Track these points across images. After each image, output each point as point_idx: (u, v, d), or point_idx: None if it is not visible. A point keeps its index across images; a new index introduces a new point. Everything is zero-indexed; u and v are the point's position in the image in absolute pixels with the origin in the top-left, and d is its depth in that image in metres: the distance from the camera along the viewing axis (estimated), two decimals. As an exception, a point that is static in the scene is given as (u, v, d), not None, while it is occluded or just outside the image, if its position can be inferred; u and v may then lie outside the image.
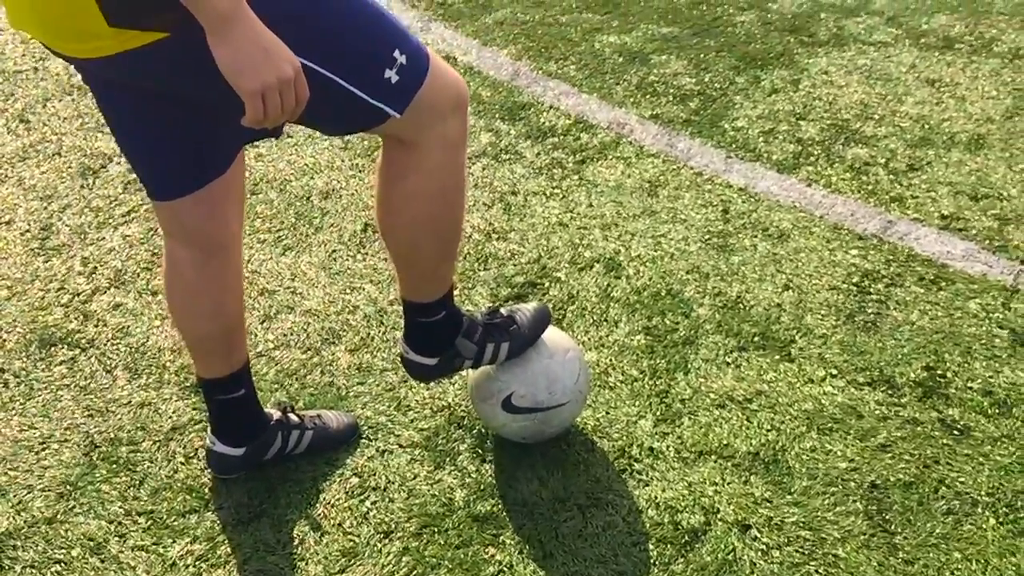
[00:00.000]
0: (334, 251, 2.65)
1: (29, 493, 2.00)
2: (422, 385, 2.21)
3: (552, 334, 2.05)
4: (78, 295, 2.51)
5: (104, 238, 2.71)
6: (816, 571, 1.84)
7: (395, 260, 1.85)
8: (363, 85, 1.52)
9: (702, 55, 3.55)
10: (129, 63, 1.40)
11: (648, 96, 3.31)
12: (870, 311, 2.41)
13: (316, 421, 2.07)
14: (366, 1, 1.54)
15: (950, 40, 3.61)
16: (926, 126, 3.12)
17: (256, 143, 3.09)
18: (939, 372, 2.24)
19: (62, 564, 1.87)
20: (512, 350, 1.96)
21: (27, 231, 2.74)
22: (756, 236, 2.67)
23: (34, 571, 1.86)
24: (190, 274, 1.81)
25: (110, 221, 2.77)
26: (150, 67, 1.42)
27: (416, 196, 1.69)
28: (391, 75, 1.53)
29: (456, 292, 2.46)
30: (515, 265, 2.58)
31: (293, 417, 2.04)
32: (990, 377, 2.22)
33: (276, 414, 2.03)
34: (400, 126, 1.60)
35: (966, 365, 2.25)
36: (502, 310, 1.99)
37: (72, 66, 1.63)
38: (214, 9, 1.27)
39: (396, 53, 1.53)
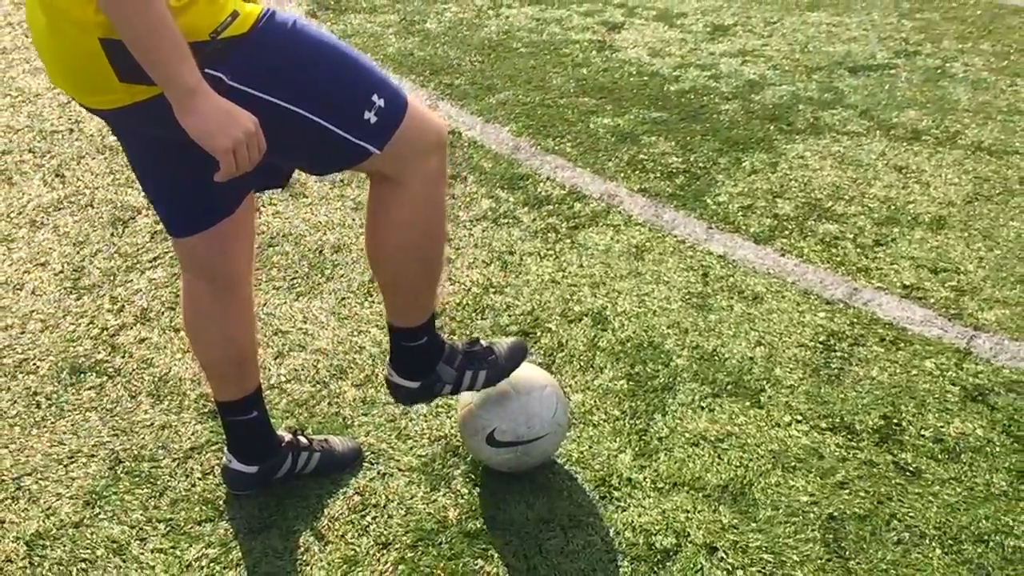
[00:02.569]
0: (343, 298, 2.87)
1: (58, 500, 2.18)
2: (421, 416, 2.41)
3: (530, 372, 2.25)
4: (106, 329, 2.72)
5: (131, 280, 2.93)
6: (776, 589, 2.02)
7: (382, 286, 2.03)
8: (345, 125, 1.71)
9: (688, 138, 3.84)
10: (139, 113, 1.63)
11: (637, 172, 3.59)
12: (834, 366, 2.63)
13: (324, 445, 2.26)
14: (346, 53, 1.74)
15: (918, 132, 3.92)
16: (892, 207, 3.39)
17: (274, 201, 3.35)
18: (895, 421, 2.44)
19: (87, 563, 2.04)
20: (489, 378, 2.13)
21: (60, 272, 2.97)
22: (733, 298, 2.90)
23: (61, 568, 2.03)
24: (204, 304, 2.02)
25: (137, 266, 3.00)
26: (155, 116, 1.61)
27: (400, 226, 1.87)
28: (370, 116, 1.72)
29: (450, 331, 2.68)
30: (510, 316, 2.81)
31: (303, 440, 2.24)
32: (941, 427, 2.43)
33: (287, 436, 2.23)
34: (382, 162, 1.78)
35: (920, 416, 2.46)
36: (482, 341, 2.17)
37: (106, 126, 1.85)
38: (184, 84, 1.49)
39: (374, 97, 1.73)
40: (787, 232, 3.24)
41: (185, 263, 2.01)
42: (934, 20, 5.18)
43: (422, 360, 2.07)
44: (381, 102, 1.74)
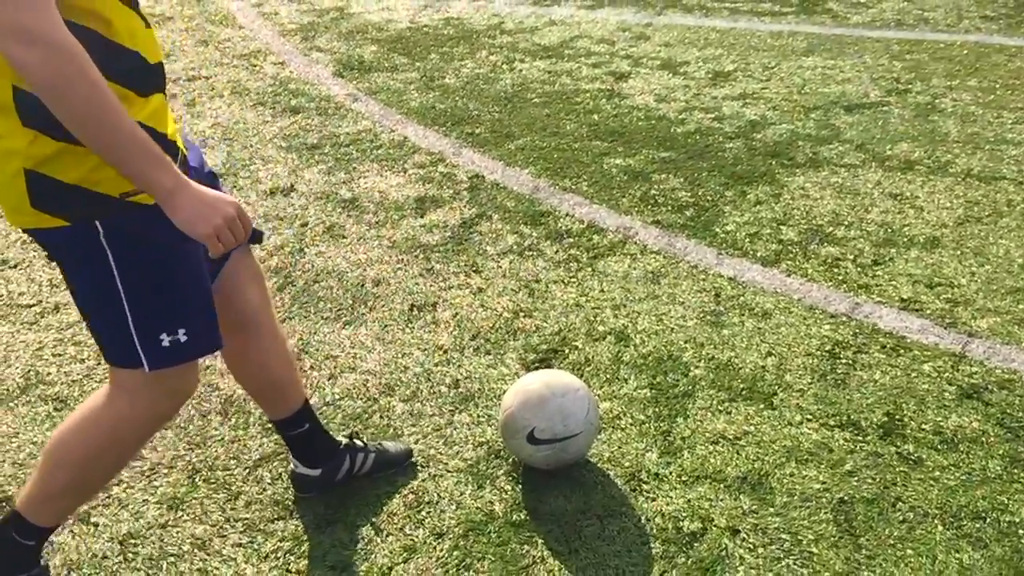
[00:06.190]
0: (386, 326, 3.14)
1: (144, 505, 2.42)
2: (464, 425, 2.66)
3: (563, 377, 2.50)
4: (174, 359, 2.98)
5: (192, 316, 3.20)
6: (794, 563, 2.24)
7: (39, 469, 2.00)
8: (140, 329, 1.79)
9: (696, 174, 4.13)
10: (41, 238, 1.81)
11: (650, 206, 3.87)
12: (840, 372, 2.87)
13: (378, 446, 2.51)
14: (197, 285, 1.85)
15: (911, 163, 4.19)
16: (889, 230, 3.65)
17: (316, 242, 3.63)
18: (897, 417, 2.68)
19: (175, 557, 2.27)
20: None
21: (127, 310, 3.24)
22: (744, 315, 3.15)
23: (152, 562, 2.26)
24: (233, 343, 2.16)
25: (196, 303, 3.27)
26: (50, 244, 1.81)
27: (94, 423, 1.93)
28: (164, 340, 1.81)
29: (485, 352, 2.92)
30: (539, 337, 3.06)
31: (358, 442, 2.48)
32: (940, 421, 2.66)
33: (345, 440, 2.47)
34: (135, 379, 1.85)
35: (920, 412, 2.69)
36: None
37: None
38: (163, 187, 1.67)
39: (181, 331, 1.82)
40: (792, 255, 3.50)
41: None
42: (923, 60, 5.50)
43: (9, 560, 2.07)
44: (183, 338, 1.82)
